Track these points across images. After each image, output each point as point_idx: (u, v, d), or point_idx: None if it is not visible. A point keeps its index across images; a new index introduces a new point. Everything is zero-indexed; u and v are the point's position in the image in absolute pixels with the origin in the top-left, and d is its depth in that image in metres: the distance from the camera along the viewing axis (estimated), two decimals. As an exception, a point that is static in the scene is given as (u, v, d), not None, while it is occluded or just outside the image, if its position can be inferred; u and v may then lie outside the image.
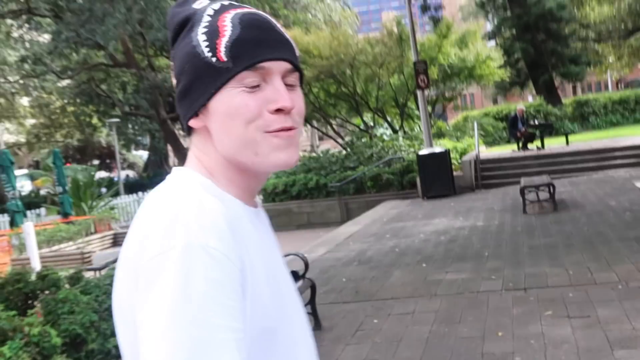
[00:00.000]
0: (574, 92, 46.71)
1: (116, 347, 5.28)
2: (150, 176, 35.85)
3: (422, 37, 23.93)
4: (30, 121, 37.65)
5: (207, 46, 1.05)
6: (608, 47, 39.48)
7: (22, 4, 24.99)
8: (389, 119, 24.82)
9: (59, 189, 19.40)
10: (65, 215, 18.94)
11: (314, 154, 25.24)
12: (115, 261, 4.96)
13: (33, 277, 6.40)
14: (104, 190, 25.02)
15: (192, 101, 1.07)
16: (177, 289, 0.90)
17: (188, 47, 1.07)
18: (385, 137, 23.23)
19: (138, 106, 29.22)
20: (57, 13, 25.55)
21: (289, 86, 1.07)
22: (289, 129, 1.06)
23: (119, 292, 1.03)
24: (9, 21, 27.96)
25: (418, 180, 16.26)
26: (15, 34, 29.69)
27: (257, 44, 1.04)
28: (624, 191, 12.74)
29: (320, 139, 46.45)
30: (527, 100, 39.63)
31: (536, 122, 20.92)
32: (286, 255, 7.10)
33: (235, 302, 0.93)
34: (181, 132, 31.62)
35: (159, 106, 27.85)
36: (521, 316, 5.95)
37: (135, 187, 28.80)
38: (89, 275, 7.11)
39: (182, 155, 29.12)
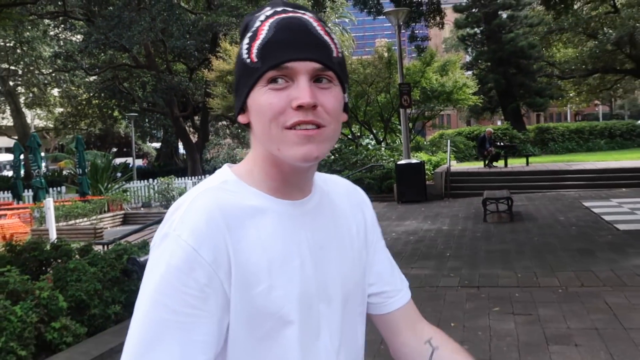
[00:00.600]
0: (537, 120, 46.92)
1: (115, 313, 5.28)
2: (161, 165, 35.75)
3: (408, 63, 23.98)
4: (58, 109, 37.46)
5: (246, 49, 1.02)
6: (569, 83, 39.62)
7: (60, 7, 24.86)
8: (374, 131, 24.82)
9: (79, 171, 19.34)
10: (82, 194, 18.88)
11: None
12: (122, 237, 4.99)
13: (48, 247, 6.40)
14: (119, 175, 24.94)
15: (237, 99, 1.06)
16: (148, 270, 0.96)
17: (239, 51, 1.05)
18: (369, 147, 23.25)
19: (155, 104, 29.12)
20: (90, 17, 25.49)
21: (320, 85, 1.00)
22: (310, 123, 0.98)
23: None
24: (46, 21, 27.83)
25: (395, 186, 16.28)
26: (51, 33, 29.58)
27: (284, 46, 0.98)
28: (572, 209, 12.80)
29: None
30: (496, 124, 39.83)
31: (502, 144, 20.99)
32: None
33: (191, 289, 0.93)
34: (191, 129, 31.59)
35: (173, 105, 27.78)
36: (472, 310, 5.97)
37: (147, 174, 28.72)
38: (98, 248, 7.08)
39: (190, 148, 29.08)
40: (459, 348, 1.28)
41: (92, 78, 30.83)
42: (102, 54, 27.66)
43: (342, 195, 1.23)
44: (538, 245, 9.10)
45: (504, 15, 35.65)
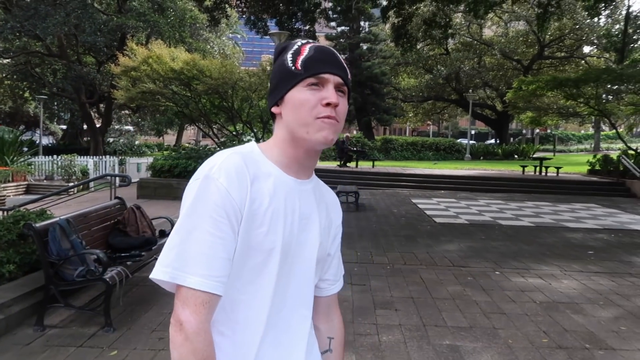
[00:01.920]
0: (384, 132, 48.78)
1: (10, 272, 4.86)
2: (66, 144, 33.37)
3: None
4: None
5: (291, 60, 1.20)
6: (410, 106, 41.59)
7: (-22, -7, 22.45)
8: (255, 130, 24.65)
9: (-13, 143, 17.66)
10: (-12, 164, 17.26)
11: (195, 147, 24.61)
12: (21, 205, 4.57)
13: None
14: (25, 149, 22.98)
15: (276, 94, 1.21)
16: (192, 201, 1.10)
17: (280, 62, 1.22)
18: (250, 143, 23.08)
19: (64, 89, 27.07)
20: (7, 5, 23.23)
21: (339, 93, 1.19)
22: (332, 118, 1.16)
23: None
24: (-37, 4, 25.01)
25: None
26: (-32, 16, 26.62)
27: (321, 62, 1.18)
28: (404, 204, 13.40)
29: (203, 137, 45.38)
30: (352, 133, 40.88)
31: (355, 148, 21.60)
32: (158, 218, 6.86)
33: (223, 219, 1.08)
34: (96, 114, 29.75)
35: (81, 92, 26.00)
36: (320, 280, 6.09)
37: (53, 151, 26.73)
38: (-2, 213, 6.48)
39: (93, 132, 27.38)
40: (341, 353, 1.44)
41: (5, 60, 28.14)
42: (17, 40, 25.29)
43: (329, 194, 1.39)
44: (375, 231, 9.44)
45: (365, 47, 36.73)
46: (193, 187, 1.12)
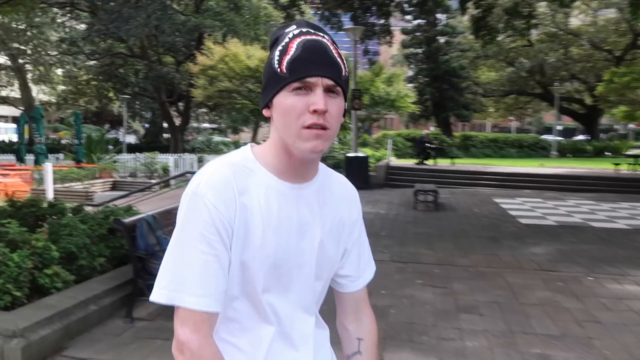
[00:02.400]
0: (462, 129, 47.64)
1: (101, 265, 5.16)
2: (148, 142, 34.98)
3: (361, 72, 23.97)
4: (61, 87, 36.24)
5: (277, 61, 1.11)
6: (490, 101, 40.39)
7: (68, -1, 24.01)
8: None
9: (76, 141, 18.84)
10: (78, 161, 18.39)
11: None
12: (110, 201, 4.84)
13: (45, 205, 6.20)
14: (110, 147, 24.33)
15: (265, 97, 1.15)
16: (181, 220, 1.11)
17: (269, 58, 1.14)
18: (324, 140, 23.23)
19: (145, 89, 28.43)
20: (94, 10, 24.67)
21: (330, 95, 1.10)
22: (320, 128, 1.09)
23: None
24: (55, 9, 26.79)
25: (344, 174, 16.32)
26: (59, 20, 28.51)
27: (308, 63, 1.09)
28: (485, 203, 13.05)
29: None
30: (429, 129, 40.26)
31: (434, 145, 21.23)
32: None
33: (213, 235, 1.08)
34: (175, 113, 31.03)
35: (161, 91, 27.20)
36: (400, 281, 6.05)
37: (135, 148, 28.10)
38: (89, 209, 6.89)
39: (173, 129, 28.56)
40: (373, 355, 1.38)
41: (92, 62, 29.89)
42: (102, 42, 26.83)
43: (339, 191, 1.31)
44: (456, 231, 9.26)
45: (442, 40, 36.01)
46: (183, 204, 1.12)
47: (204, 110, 34.80)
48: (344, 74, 1.14)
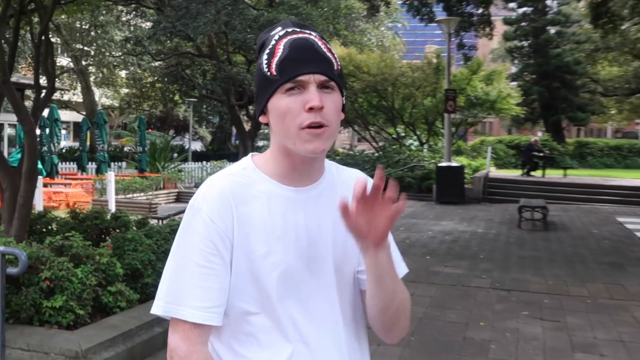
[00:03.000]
0: (577, 134, 45.82)
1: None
2: (215, 149, 36.13)
3: (456, 70, 23.65)
4: (124, 90, 38.16)
5: (266, 64, 1.22)
6: (612, 101, 38.60)
7: (133, -5, 25.33)
8: (418, 132, 24.60)
9: (139, 149, 19.70)
10: (141, 170, 19.24)
11: (351, 152, 25.21)
12: (176, 214, 5.08)
13: (108, 217, 6.55)
14: (175, 155, 25.31)
15: (259, 103, 1.26)
16: (179, 232, 1.25)
17: (259, 62, 1.25)
18: (412, 147, 23.09)
19: (213, 91, 29.40)
20: (160, 6, 25.85)
21: (325, 91, 1.20)
22: (318, 126, 1.18)
23: None
24: (120, 7, 28.34)
25: (434, 186, 16.15)
26: (123, 18, 30.09)
27: (297, 62, 1.19)
28: (606, 223, 12.49)
29: (359, 140, 46.24)
30: (536, 135, 39.03)
31: (542, 154, 20.56)
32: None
33: (210, 249, 1.19)
34: (245, 117, 31.89)
35: (230, 94, 28.00)
36: (502, 312, 5.90)
37: (201, 156, 29.08)
38: (153, 222, 7.22)
39: (243, 135, 29.33)
40: None
41: (157, 63, 31.27)
42: (169, 42, 28.01)
43: (350, 180, 1.34)
44: (570, 255, 8.92)
45: (552, 31, 34.92)
46: (184, 217, 1.25)
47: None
48: (336, 68, 1.23)
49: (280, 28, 1.26)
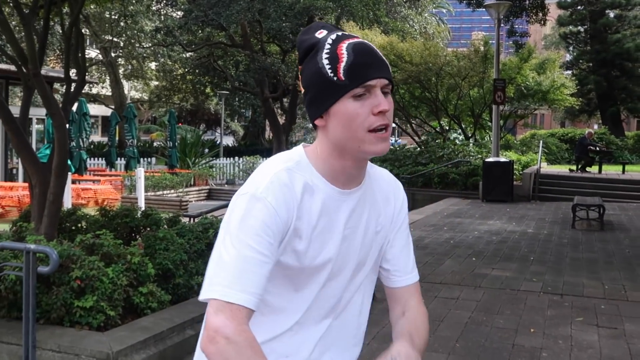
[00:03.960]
0: (638, 127, 44.78)
1: (199, 284, 5.46)
2: (247, 144, 36.42)
3: (505, 58, 23.34)
4: (154, 83, 38.74)
5: (329, 69, 1.30)
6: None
7: (164, -17, 25.70)
8: (463, 126, 24.39)
9: (169, 144, 20.03)
10: (171, 166, 19.55)
11: (392, 147, 25.13)
12: (209, 212, 5.15)
13: (138, 215, 6.68)
14: (206, 150, 25.59)
15: (318, 107, 1.34)
16: (240, 217, 1.29)
17: (315, 67, 1.33)
18: (457, 142, 22.90)
19: (246, 83, 29.63)
20: (191, -6, 26.15)
21: (384, 93, 1.32)
22: (385, 128, 1.32)
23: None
24: (150, -4, 28.80)
25: (480, 183, 16.01)
26: (154, 8, 30.54)
27: (366, 67, 1.30)
28: (669, 223, 12.22)
29: (400, 134, 46.14)
30: (592, 128, 38.29)
31: (598, 148, 20.17)
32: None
33: (269, 237, 1.27)
34: (279, 110, 32.04)
35: (264, 86, 28.18)
36: (554, 318, 5.84)
37: (233, 152, 29.33)
38: (184, 220, 7.33)
39: (277, 130, 29.49)
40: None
41: (188, 54, 31.68)
42: (200, 32, 28.34)
43: (382, 188, 1.53)
44: (629, 257, 8.76)
45: (611, 15, 34.15)
46: (241, 204, 1.30)
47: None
48: (390, 71, 1.36)
49: (325, 31, 1.37)
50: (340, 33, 1.36)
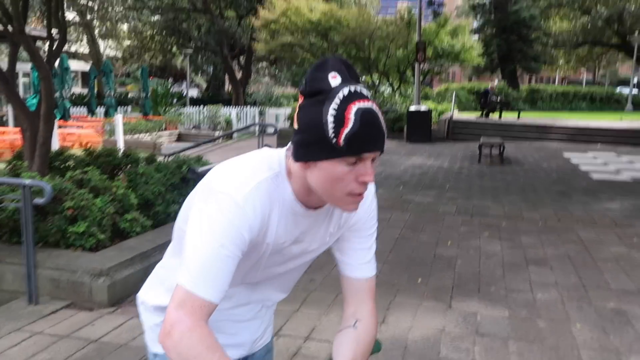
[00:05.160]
0: (530, 82, 45.72)
1: (175, 211, 5.36)
2: (210, 95, 35.55)
3: (425, 24, 23.22)
4: (126, 42, 37.11)
5: (332, 130, 1.07)
6: (561, 52, 38.45)
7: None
8: (390, 80, 24.36)
9: (143, 95, 19.34)
10: (145, 114, 18.94)
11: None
12: (181, 151, 4.98)
13: (120, 154, 6.45)
14: (175, 100, 24.88)
15: (307, 155, 1.12)
16: (211, 213, 1.12)
17: (318, 118, 1.08)
18: (385, 94, 22.92)
19: (207, 43, 28.74)
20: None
21: (372, 160, 1.13)
22: (362, 195, 1.14)
23: (192, 196, 1.24)
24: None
25: (405, 128, 16.14)
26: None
27: (366, 140, 1.08)
28: (554, 158, 12.63)
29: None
30: (494, 82, 38.91)
31: (499, 99, 20.53)
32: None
33: (238, 240, 1.11)
34: (237, 67, 31.29)
35: (223, 46, 27.37)
36: (466, 233, 6.01)
37: (198, 101, 28.61)
38: (159, 159, 7.13)
39: (235, 83, 28.86)
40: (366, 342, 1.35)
41: (155, 17, 30.38)
42: (166, -3, 27.13)
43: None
44: (523, 185, 9.05)
45: (511, -12, 34.23)
46: (220, 203, 1.12)
47: (265, 64, 34.89)
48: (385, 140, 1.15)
49: (339, 79, 1.11)
50: (353, 89, 1.09)
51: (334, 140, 1.07)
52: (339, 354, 1.31)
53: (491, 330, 3.58)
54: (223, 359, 1.06)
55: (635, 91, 32.32)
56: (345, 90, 1.08)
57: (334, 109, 1.07)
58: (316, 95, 1.10)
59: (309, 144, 1.10)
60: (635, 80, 35.42)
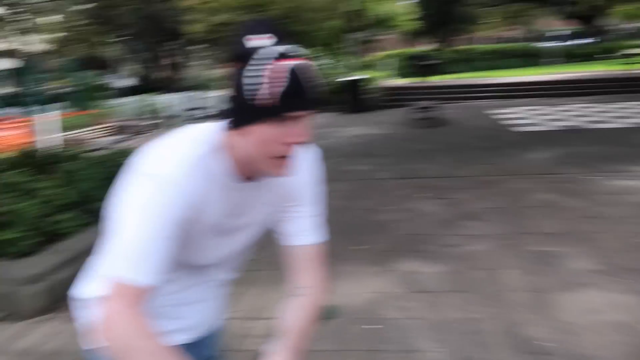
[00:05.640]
0: (464, 43, 46.51)
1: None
2: (144, 84, 34.57)
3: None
4: (51, 36, 35.51)
5: (258, 90, 1.01)
6: (493, 11, 39.24)
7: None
8: (325, 52, 24.28)
9: (75, 89, 18.68)
10: (79, 109, 18.32)
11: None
12: (118, 142, 4.83)
13: (56, 151, 6.25)
14: (108, 92, 24.08)
15: (238, 120, 1.07)
16: (141, 195, 1.05)
17: (244, 80, 1.02)
18: (322, 66, 22.84)
19: (137, 29, 27.83)
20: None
21: (305, 124, 1.07)
22: (286, 157, 1.08)
23: (121, 183, 1.13)
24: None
25: (343, 98, 16.15)
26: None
27: (301, 98, 1.02)
28: (481, 117, 12.89)
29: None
30: (429, 46, 39.34)
31: (432, 62, 20.80)
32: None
33: (172, 218, 1.05)
34: (167, 52, 30.44)
35: (154, 31, 26.61)
36: (403, 196, 6.11)
37: (134, 91, 27.82)
38: (96, 153, 6.91)
39: (168, 68, 28.14)
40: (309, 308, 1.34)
41: (79, 7, 29.14)
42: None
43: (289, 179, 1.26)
44: (454, 145, 9.23)
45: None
46: (147, 185, 1.06)
47: (195, 46, 34.12)
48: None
49: (267, 41, 1.03)
50: (283, 49, 1.02)
51: (261, 102, 1.01)
52: (284, 322, 1.31)
53: (431, 286, 3.70)
54: (159, 345, 1.01)
55: (554, 44, 33.33)
56: (273, 51, 1.02)
57: (261, 69, 1.01)
58: (241, 58, 1.04)
59: (238, 109, 1.05)
60: (558, 34, 36.58)
